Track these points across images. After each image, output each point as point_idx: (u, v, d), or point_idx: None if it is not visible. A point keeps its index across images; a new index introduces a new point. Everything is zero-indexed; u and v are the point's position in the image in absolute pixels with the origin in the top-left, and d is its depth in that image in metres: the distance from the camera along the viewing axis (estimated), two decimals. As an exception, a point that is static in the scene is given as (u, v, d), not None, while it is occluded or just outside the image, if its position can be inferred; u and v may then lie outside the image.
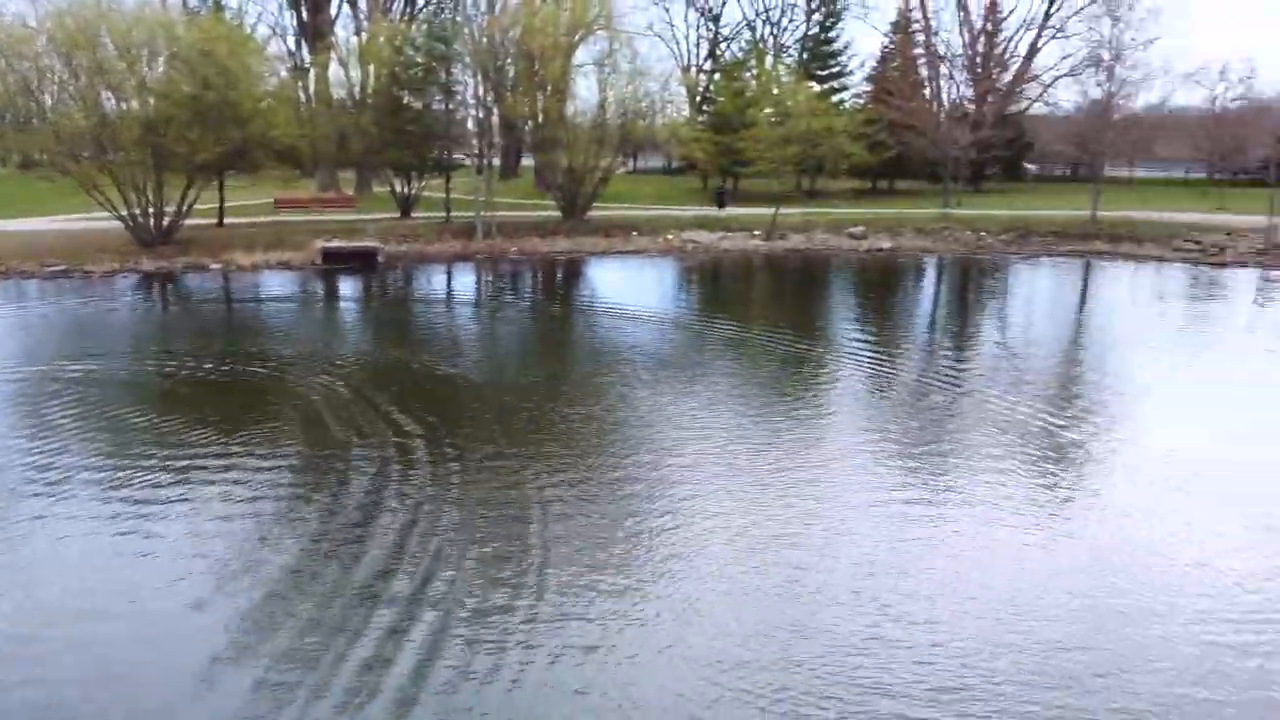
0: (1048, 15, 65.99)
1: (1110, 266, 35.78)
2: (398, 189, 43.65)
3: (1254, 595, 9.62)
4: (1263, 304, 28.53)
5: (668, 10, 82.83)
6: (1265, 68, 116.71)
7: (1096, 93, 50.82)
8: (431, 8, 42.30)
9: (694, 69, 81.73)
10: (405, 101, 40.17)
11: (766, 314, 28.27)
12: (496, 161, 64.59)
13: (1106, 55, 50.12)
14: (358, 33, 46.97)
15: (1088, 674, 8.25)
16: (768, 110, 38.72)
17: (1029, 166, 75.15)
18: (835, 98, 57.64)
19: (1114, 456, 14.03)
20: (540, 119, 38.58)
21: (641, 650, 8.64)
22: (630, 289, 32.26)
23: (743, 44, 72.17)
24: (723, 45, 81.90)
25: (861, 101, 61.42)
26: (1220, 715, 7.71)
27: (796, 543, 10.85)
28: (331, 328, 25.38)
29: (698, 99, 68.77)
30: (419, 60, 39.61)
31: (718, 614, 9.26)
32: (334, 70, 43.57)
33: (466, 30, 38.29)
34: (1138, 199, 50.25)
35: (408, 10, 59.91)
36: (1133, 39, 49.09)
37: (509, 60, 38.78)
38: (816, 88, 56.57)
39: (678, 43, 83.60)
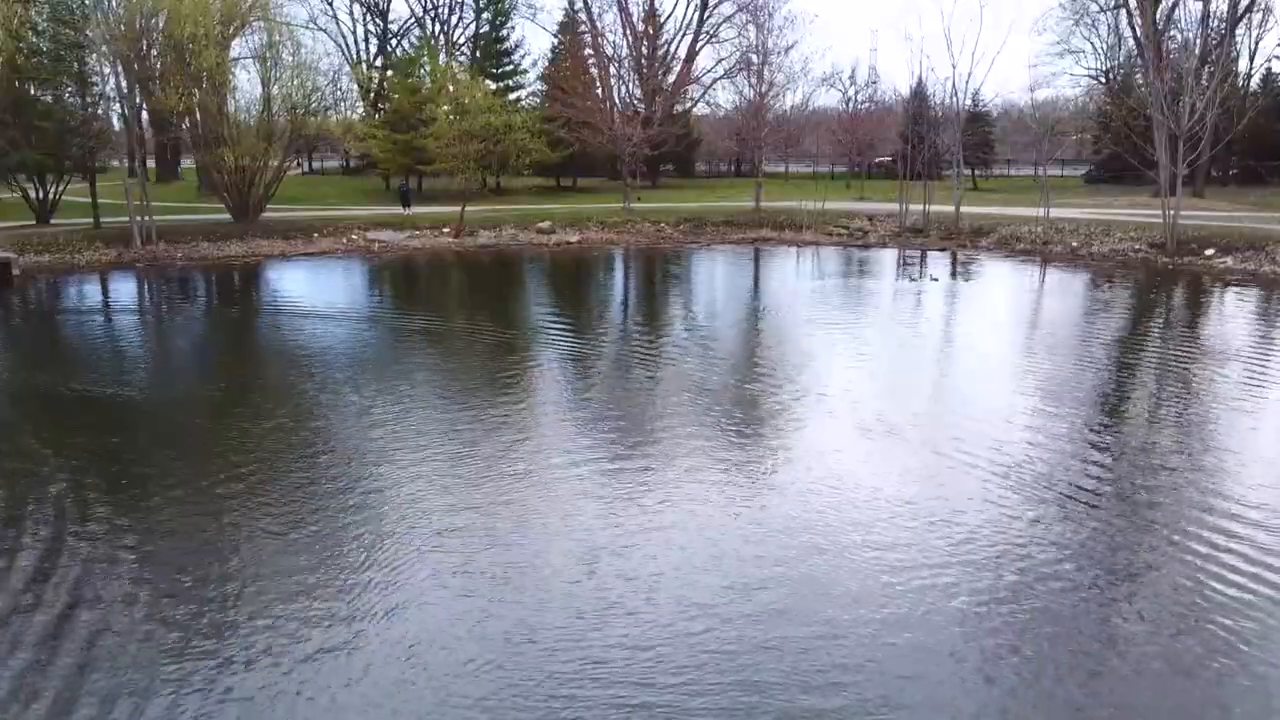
0: (701, 22, 70.87)
1: (776, 251, 38.98)
2: (32, 193, 38.28)
3: (915, 521, 10.83)
4: (902, 278, 32.28)
5: (330, 3, 79.06)
6: (885, 74, 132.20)
7: (750, 94, 55.30)
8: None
9: (364, 65, 79.09)
10: (33, 94, 35.31)
11: (465, 308, 28.07)
12: (151, 163, 58.66)
13: (755, 59, 54.82)
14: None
15: (797, 607, 8.91)
16: (445, 107, 38.12)
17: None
18: (511, 96, 58.12)
19: (802, 413, 15.33)
20: (198, 115, 35.36)
21: (359, 676, 8.11)
22: (318, 291, 30.56)
23: (413, 40, 70.86)
24: (392, 41, 79.95)
25: (538, 100, 62.43)
26: (897, 629, 8.60)
27: (515, 539, 10.71)
28: (-44, 354, 21.77)
29: (372, 95, 66.70)
30: (44, 47, 34.93)
31: (436, 623, 8.96)
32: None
33: (99, 14, 34.20)
34: (793, 190, 54.94)
35: None
36: (774, 44, 54.02)
37: (154, 50, 35.19)
38: (492, 85, 56.85)
39: (344, 37, 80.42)
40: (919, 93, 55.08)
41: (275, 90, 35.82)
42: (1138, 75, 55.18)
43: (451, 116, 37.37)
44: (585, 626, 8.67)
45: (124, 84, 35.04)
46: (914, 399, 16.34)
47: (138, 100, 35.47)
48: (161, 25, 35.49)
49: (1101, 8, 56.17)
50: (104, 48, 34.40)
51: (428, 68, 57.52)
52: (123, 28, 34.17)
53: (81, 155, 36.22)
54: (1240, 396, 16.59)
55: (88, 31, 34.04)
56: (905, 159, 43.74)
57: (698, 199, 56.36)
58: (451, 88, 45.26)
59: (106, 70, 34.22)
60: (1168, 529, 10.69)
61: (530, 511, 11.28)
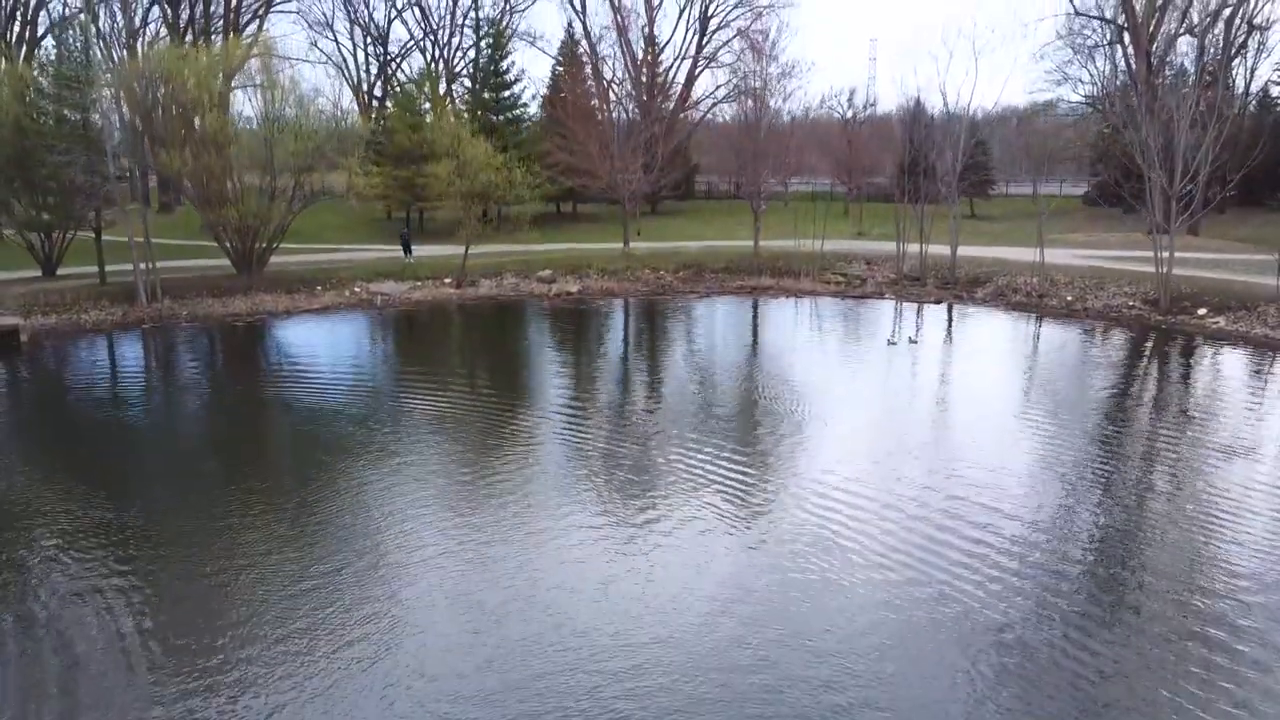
0: (700, 47, 71.31)
1: (773, 304, 39.44)
2: (37, 245, 38.65)
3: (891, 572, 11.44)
4: (893, 337, 32.52)
5: (330, 27, 79.57)
6: (884, 82, 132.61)
7: (749, 114, 55.61)
8: (56, 45, 37.47)
9: (364, 88, 79.60)
10: (39, 154, 35.65)
11: (468, 378, 29.12)
12: (153, 181, 59.04)
13: (755, 84, 55.43)
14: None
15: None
16: (444, 166, 38.52)
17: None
18: (510, 127, 58.35)
19: (789, 488, 16.71)
20: (204, 176, 35.71)
21: None
22: (322, 358, 31.07)
23: (413, 72, 71.22)
24: (393, 64, 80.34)
25: (538, 120, 62.70)
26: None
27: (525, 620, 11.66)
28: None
29: (373, 117, 67.13)
30: (49, 108, 35.21)
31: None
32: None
33: (104, 77, 34.59)
34: (790, 220, 54.80)
35: (23, 38, 53.24)
36: (775, 71, 54.46)
37: (159, 110, 35.57)
38: (493, 116, 57.22)
39: (345, 60, 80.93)
40: (914, 128, 55.31)
41: (277, 152, 36.12)
42: (1133, 98, 55.45)
43: (453, 177, 37.75)
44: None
45: (131, 143, 35.34)
46: (900, 493, 17.38)
47: (145, 158, 35.83)
48: (163, 82, 35.88)
49: (1098, 43, 56.48)
50: (108, 105, 34.71)
51: (429, 100, 57.99)
52: (126, 91, 34.55)
53: (86, 214, 36.57)
54: (1225, 484, 17.65)
55: (92, 94, 34.36)
56: (902, 190, 43.83)
57: (697, 231, 56.89)
58: (450, 124, 45.40)
59: (114, 132, 34.40)
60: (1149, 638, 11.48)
61: (526, 629, 12.39)
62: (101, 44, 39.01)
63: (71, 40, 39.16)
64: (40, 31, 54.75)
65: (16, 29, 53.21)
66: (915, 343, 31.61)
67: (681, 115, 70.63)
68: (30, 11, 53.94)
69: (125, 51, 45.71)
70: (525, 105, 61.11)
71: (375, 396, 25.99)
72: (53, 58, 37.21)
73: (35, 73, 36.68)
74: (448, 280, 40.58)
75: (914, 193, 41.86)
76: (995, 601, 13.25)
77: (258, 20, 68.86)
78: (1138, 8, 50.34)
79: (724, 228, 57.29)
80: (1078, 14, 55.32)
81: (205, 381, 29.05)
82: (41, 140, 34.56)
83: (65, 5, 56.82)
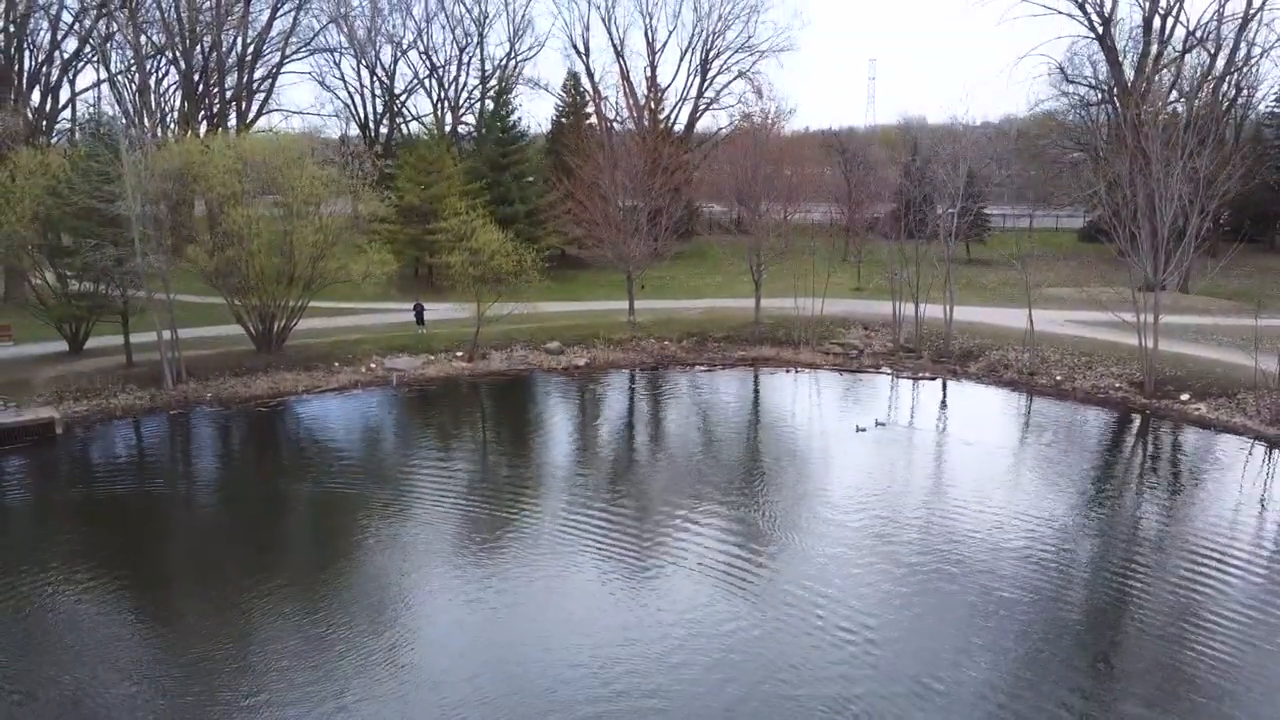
0: (700, 91, 72.81)
1: (773, 378, 41.04)
2: (67, 329, 40.22)
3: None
4: (864, 429, 33.17)
5: (338, 65, 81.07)
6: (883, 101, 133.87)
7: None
8: (80, 139, 38.91)
9: (371, 125, 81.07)
10: (66, 245, 37.20)
11: (479, 460, 32.08)
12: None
13: (755, 121, 57.28)
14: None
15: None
16: (460, 251, 40.07)
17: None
18: (516, 183, 59.79)
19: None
20: (227, 268, 37.26)
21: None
22: (343, 443, 33.54)
23: (420, 111, 72.59)
24: (399, 100, 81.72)
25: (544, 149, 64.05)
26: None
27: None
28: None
29: (381, 164, 68.54)
30: (74, 199, 36.53)
31: None
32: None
33: (129, 165, 35.94)
34: (791, 272, 55.83)
35: (43, 110, 54.65)
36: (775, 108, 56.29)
37: (182, 206, 37.16)
38: (501, 174, 58.70)
39: (351, 96, 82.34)
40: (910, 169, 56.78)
41: (294, 240, 37.63)
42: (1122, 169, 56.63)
43: (466, 266, 39.32)
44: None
45: (157, 236, 36.73)
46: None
47: (169, 251, 37.32)
48: (185, 177, 37.42)
49: (1088, 101, 57.79)
50: (134, 201, 35.96)
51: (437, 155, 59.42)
52: (149, 189, 36.00)
53: (115, 301, 38.04)
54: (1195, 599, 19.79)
55: (116, 188, 35.67)
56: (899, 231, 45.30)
57: (700, 281, 58.65)
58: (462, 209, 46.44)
59: (142, 227, 35.66)
60: None
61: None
62: (125, 123, 40.30)
63: (97, 121, 40.65)
64: (62, 102, 56.32)
65: (36, 100, 54.56)
66: (882, 425, 33.15)
67: (685, 156, 71.96)
68: (54, 79, 55.31)
69: (147, 120, 47.08)
70: (529, 161, 62.53)
71: (393, 485, 28.42)
72: (79, 148, 38.58)
73: (65, 161, 38.09)
74: (459, 354, 42.11)
75: (909, 230, 43.49)
76: None
77: (272, 78, 70.42)
78: (1128, 74, 51.65)
79: (727, 276, 58.58)
80: (1068, 80, 56.70)
81: (234, 474, 31.17)
82: (71, 233, 36.05)
83: (81, 49, 57.96)
